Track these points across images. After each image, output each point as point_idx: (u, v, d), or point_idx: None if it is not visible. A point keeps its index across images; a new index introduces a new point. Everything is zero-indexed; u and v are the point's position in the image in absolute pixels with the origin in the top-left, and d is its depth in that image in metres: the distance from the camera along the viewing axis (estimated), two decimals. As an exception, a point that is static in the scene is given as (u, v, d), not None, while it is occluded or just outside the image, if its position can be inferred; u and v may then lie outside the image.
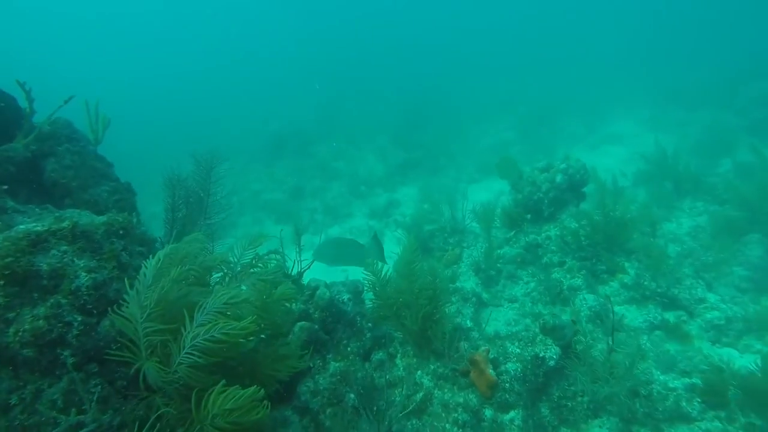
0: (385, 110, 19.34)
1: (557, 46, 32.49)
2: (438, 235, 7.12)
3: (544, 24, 38.15)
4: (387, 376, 4.00)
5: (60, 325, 2.16)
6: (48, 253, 2.30)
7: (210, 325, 2.23)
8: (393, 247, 9.74)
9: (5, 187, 2.84)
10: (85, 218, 2.72)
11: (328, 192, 12.22)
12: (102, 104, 4.07)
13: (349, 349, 4.06)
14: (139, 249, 2.91)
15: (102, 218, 2.74)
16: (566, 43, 32.94)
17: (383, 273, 4.13)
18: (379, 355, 4.11)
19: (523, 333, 3.94)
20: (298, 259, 4.21)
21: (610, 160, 12.31)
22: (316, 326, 3.89)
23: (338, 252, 5.08)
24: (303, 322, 3.77)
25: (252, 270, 2.59)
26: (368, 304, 4.39)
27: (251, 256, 2.70)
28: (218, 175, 3.51)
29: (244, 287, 2.52)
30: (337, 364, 3.82)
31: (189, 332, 2.22)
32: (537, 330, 3.98)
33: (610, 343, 3.46)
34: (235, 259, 2.69)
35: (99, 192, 3.36)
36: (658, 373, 3.83)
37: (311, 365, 3.85)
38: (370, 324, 4.24)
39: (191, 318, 2.26)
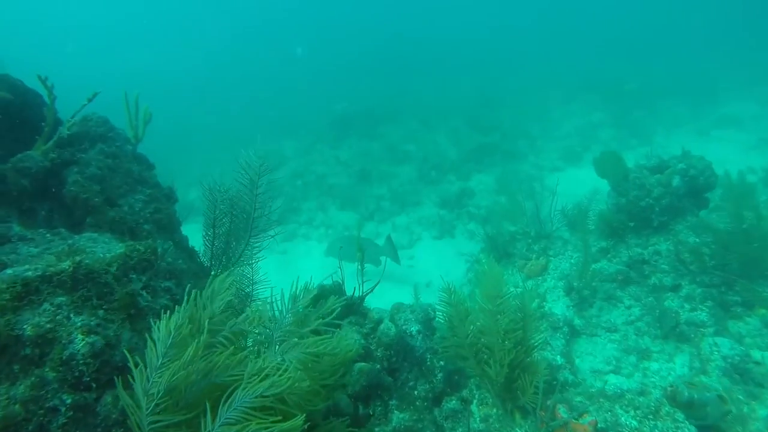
0: (460, 90, 18.07)
1: (655, 15, 29.00)
2: (520, 240, 6.19)
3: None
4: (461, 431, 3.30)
5: (41, 411, 1.63)
6: (38, 308, 1.79)
7: (239, 426, 1.62)
8: (465, 244, 8.90)
9: None
10: (100, 249, 2.20)
11: (395, 177, 11.47)
12: (154, 96, 3.60)
13: (416, 393, 3.38)
14: (166, 284, 2.36)
15: (120, 248, 2.20)
16: (667, 11, 29.29)
17: (462, 302, 3.37)
18: (452, 404, 3.39)
19: (640, 399, 3.04)
20: (361, 280, 3.54)
21: (725, 149, 10.46)
22: (378, 366, 3.24)
23: (351, 250, 4.62)
24: (362, 364, 3.13)
25: (300, 337, 1.94)
26: (438, 335, 3.66)
27: (297, 312, 2.05)
28: (267, 186, 2.90)
29: (283, 358, 1.88)
30: (402, 416, 3.17)
31: (207, 434, 1.62)
32: (659, 394, 3.07)
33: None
34: (278, 312, 2.05)
35: (132, 202, 2.87)
36: None
37: (371, 412, 3.25)
38: (441, 362, 3.53)
39: (214, 410, 1.66)
